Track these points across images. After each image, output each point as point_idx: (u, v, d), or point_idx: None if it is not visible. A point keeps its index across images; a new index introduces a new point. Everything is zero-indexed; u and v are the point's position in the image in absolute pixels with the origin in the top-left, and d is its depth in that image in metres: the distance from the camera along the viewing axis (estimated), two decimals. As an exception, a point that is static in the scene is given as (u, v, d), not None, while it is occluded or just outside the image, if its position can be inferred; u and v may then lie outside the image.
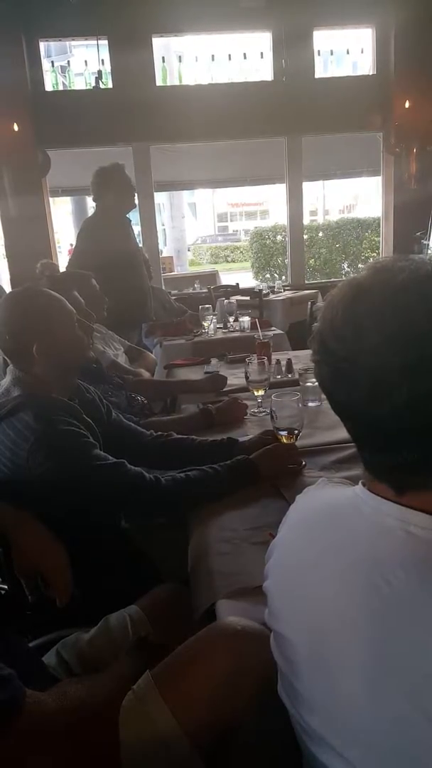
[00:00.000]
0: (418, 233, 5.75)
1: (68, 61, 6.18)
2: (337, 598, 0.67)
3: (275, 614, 0.80)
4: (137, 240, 4.37)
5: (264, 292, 5.47)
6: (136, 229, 6.07)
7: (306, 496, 0.86)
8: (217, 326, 4.14)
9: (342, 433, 1.83)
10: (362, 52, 6.03)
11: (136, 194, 3.89)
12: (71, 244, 7.28)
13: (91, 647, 1.22)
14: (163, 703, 0.86)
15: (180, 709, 0.86)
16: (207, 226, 21.16)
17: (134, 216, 5.80)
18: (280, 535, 0.86)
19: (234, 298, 4.85)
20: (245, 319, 4.03)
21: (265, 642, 0.90)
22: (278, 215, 12.70)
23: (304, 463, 1.63)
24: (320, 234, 10.76)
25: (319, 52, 5.84)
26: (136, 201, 4.03)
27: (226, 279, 8.82)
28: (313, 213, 16.47)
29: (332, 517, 0.76)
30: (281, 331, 4.13)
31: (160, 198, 13.03)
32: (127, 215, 3.82)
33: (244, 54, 5.89)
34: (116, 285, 2.88)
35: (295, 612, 0.75)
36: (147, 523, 1.77)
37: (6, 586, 1.42)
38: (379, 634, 0.61)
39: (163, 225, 14.36)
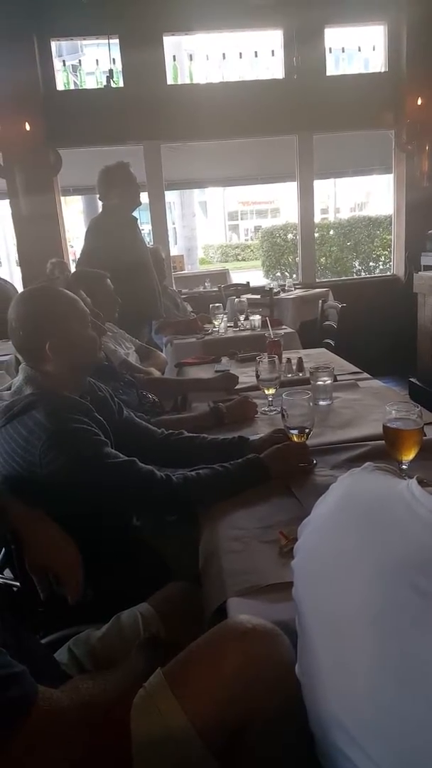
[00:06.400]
0: (430, 231, 5.71)
1: (79, 60, 6.20)
2: (371, 595, 0.66)
3: (298, 595, 0.79)
4: (146, 238, 4.37)
5: (275, 290, 5.46)
6: (147, 227, 6.10)
7: (351, 479, 0.84)
8: (228, 325, 4.14)
9: (353, 432, 1.86)
10: (374, 49, 6.00)
11: (141, 192, 3.89)
12: (72, 245, 7.26)
13: (103, 644, 1.23)
14: (174, 701, 0.86)
15: (191, 707, 0.86)
16: (218, 224, 21.15)
17: (145, 215, 5.82)
18: (317, 512, 0.84)
19: (245, 297, 4.85)
20: (256, 318, 4.03)
21: (276, 640, 0.91)
22: (289, 213, 12.68)
23: (315, 461, 1.63)
24: (331, 232, 10.72)
25: (330, 49, 5.82)
26: (143, 199, 4.02)
27: (237, 277, 8.81)
28: (325, 211, 16.40)
29: (379, 510, 0.74)
30: (292, 330, 4.12)
31: (171, 196, 13.05)
32: (134, 213, 3.82)
33: (255, 52, 5.88)
34: (124, 283, 2.88)
35: (319, 596, 0.75)
36: (158, 522, 1.77)
37: (18, 583, 1.43)
38: (415, 639, 0.60)
39: (173, 224, 14.39)
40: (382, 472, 0.83)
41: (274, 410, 2.11)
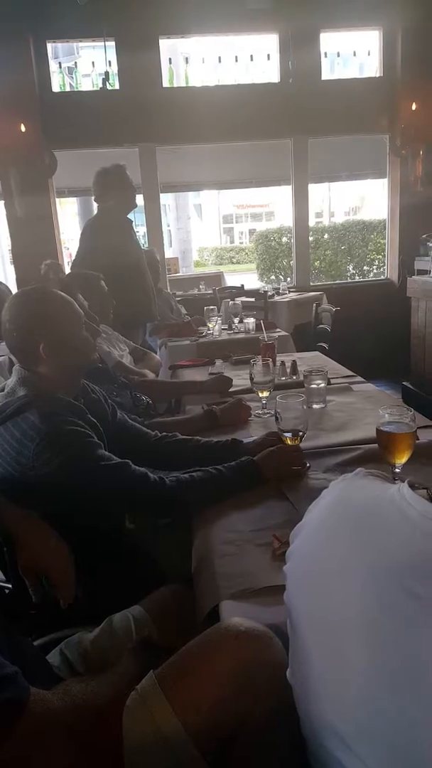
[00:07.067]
0: (424, 236, 5.74)
1: (75, 63, 6.21)
2: (365, 599, 0.66)
3: (290, 600, 0.79)
4: (141, 241, 4.37)
5: (269, 293, 5.47)
6: (142, 230, 6.10)
7: (343, 484, 0.84)
8: (222, 327, 4.14)
9: (347, 435, 1.86)
10: (369, 54, 6.03)
11: (137, 195, 3.89)
12: (68, 247, 7.24)
13: (95, 647, 1.22)
14: (166, 704, 0.86)
15: (183, 710, 0.86)
16: (212, 227, 21.15)
17: (140, 217, 5.82)
18: (309, 517, 0.85)
19: (239, 300, 4.86)
20: (250, 321, 4.03)
21: (269, 643, 0.90)
22: (284, 217, 12.70)
23: (308, 464, 1.63)
24: (326, 236, 10.75)
25: (325, 53, 5.85)
26: (138, 201, 4.01)
27: (232, 280, 8.80)
28: (319, 215, 16.43)
29: (371, 514, 0.74)
30: (286, 333, 4.13)
31: (166, 199, 13.05)
32: (130, 216, 3.82)
33: (251, 56, 5.90)
34: (119, 285, 2.88)
35: (312, 601, 0.75)
36: (151, 524, 1.77)
37: (10, 585, 1.43)
38: (409, 642, 0.61)
39: (168, 226, 14.38)
40: (373, 477, 0.83)
41: (268, 413, 2.11)
